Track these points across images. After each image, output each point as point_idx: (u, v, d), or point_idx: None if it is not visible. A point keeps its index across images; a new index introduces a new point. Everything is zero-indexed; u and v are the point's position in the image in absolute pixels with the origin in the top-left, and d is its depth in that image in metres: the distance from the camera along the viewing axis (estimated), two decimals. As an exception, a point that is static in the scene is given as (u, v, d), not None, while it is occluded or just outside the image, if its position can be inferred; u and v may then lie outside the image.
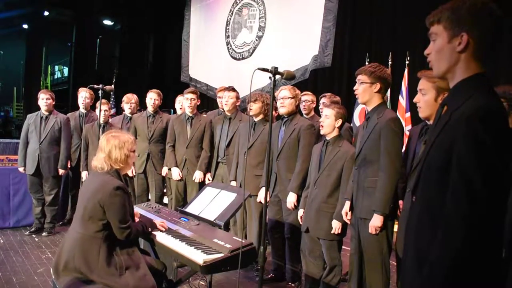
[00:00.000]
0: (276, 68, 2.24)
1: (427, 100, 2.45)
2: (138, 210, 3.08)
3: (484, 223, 1.19)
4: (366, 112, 2.95)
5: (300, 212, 3.40)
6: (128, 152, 2.58)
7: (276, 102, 3.84)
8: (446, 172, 1.27)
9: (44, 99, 4.94)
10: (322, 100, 4.27)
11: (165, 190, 5.04)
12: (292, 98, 3.64)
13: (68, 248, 2.41)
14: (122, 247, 2.46)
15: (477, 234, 1.19)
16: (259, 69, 2.18)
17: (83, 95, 5.35)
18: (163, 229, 2.69)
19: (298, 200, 3.50)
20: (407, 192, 2.57)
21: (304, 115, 4.27)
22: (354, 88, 2.91)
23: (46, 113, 4.96)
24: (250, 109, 3.90)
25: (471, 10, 1.33)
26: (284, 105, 3.65)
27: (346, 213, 2.96)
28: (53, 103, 5.02)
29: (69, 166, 5.18)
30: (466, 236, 1.20)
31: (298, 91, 3.74)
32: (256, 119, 3.97)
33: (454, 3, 1.38)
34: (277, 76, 2.27)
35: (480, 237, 1.19)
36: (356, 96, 2.94)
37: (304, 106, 4.25)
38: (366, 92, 2.83)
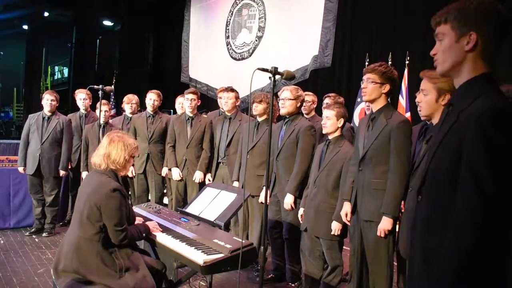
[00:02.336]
0: (276, 68, 2.24)
1: (428, 100, 2.44)
2: (138, 210, 3.08)
3: (495, 224, 1.18)
4: (367, 111, 2.93)
5: (300, 211, 3.40)
6: (128, 157, 2.58)
7: (277, 102, 3.84)
8: (455, 173, 1.26)
9: (49, 100, 4.95)
10: (326, 100, 4.24)
11: (165, 191, 5.04)
12: (293, 99, 3.62)
13: (66, 250, 2.40)
14: (121, 248, 2.45)
15: (488, 235, 1.18)
16: (259, 69, 2.18)
17: (82, 97, 5.35)
18: (157, 231, 2.68)
19: (295, 201, 3.50)
20: (410, 191, 2.56)
21: (304, 115, 4.26)
22: (363, 86, 2.87)
23: (49, 114, 4.97)
24: (255, 110, 3.89)
25: (478, 9, 1.34)
26: (284, 106, 3.65)
27: (346, 214, 2.95)
28: (57, 104, 5.04)
29: (69, 167, 5.18)
30: (476, 237, 1.19)
31: (301, 92, 3.71)
32: (259, 119, 3.97)
33: (461, 3, 1.38)
34: (277, 76, 2.27)
35: (491, 238, 1.19)
36: (363, 94, 2.89)
37: (304, 106, 4.24)
38: (375, 91, 2.80)
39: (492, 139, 1.21)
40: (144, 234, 2.59)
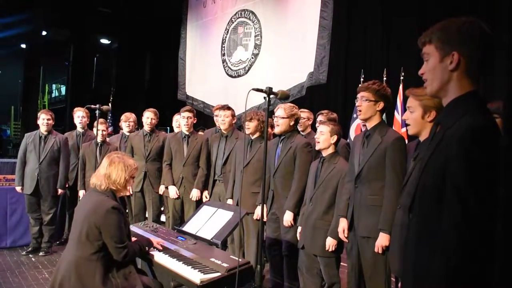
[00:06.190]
0: (270, 89, 2.28)
1: (415, 117, 2.47)
2: (135, 229, 3.08)
3: (482, 241, 1.20)
4: (363, 128, 2.96)
5: (299, 229, 3.40)
6: (128, 177, 2.61)
7: (273, 120, 3.87)
8: (440, 191, 1.28)
9: (45, 119, 4.97)
10: (319, 118, 4.29)
11: (162, 208, 5.03)
12: (286, 117, 3.63)
13: (63, 271, 2.40)
14: (119, 269, 2.45)
15: (475, 253, 1.20)
16: (253, 89, 2.22)
17: (80, 115, 5.37)
18: (160, 248, 2.69)
19: (295, 218, 3.51)
20: (398, 208, 2.58)
21: (300, 132, 4.29)
22: (357, 104, 2.92)
23: (45, 133, 4.98)
24: (248, 128, 3.92)
25: (460, 29, 1.37)
26: (277, 124, 3.67)
27: (344, 230, 2.96)
28: (53, 123, 5.06)
29: (66, 186, 5.18)
30: (463, 255, 1.21)
31: (296, 110, 3.71)
32: (252, 137, 4.00)
33: (444, 23, 1.41)
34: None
35: (478, 255, 1.20)
36: (359, 113, 2.94)
37: (299, 123, 4.27)
38: (369, 109, 2.85)
39: (473, 157, 1.23)
40: (147, 248, 2.62)
